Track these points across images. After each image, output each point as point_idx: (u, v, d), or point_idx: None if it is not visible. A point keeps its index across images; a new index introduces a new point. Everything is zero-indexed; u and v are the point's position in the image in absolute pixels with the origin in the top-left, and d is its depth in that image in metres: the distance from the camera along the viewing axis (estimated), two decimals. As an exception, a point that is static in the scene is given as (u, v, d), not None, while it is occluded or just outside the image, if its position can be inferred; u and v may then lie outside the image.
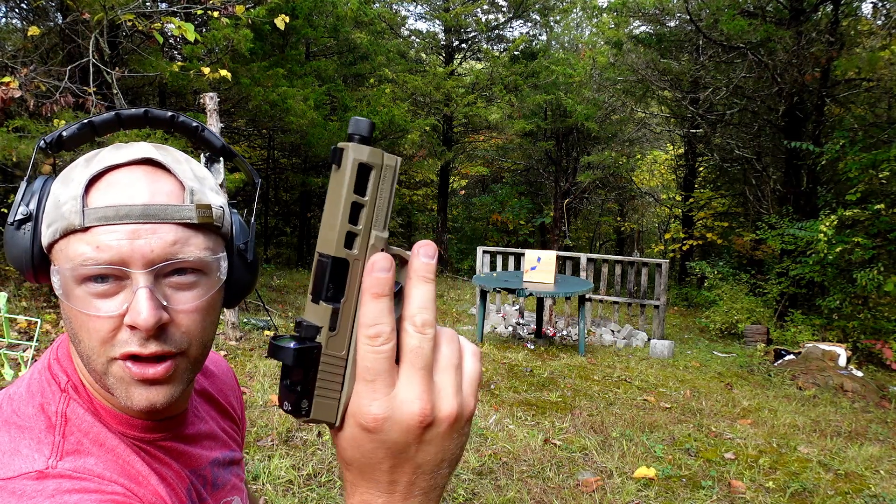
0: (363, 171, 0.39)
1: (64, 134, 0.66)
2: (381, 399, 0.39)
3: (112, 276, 0.59)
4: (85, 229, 0.58)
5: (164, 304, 0.60)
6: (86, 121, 0.67)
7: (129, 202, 0.59)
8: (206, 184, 0.66)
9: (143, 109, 0.68)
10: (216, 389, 0.86)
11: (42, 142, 0.66)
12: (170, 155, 0.64)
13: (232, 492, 0.78)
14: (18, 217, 0.62)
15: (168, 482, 0.65)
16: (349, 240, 0.39)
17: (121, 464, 0.61)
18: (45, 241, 0.61)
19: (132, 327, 0.59)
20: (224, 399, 0.87)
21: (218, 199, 0.66)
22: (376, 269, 0.39)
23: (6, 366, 3.45)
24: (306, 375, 0.39)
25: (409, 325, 0.40)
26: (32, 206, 0.62)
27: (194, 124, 0.72)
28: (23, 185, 0.63)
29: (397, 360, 0.40)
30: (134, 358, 0.60)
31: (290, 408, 0.40)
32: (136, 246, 0.58)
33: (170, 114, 0.70)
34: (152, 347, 0.59)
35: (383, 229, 0.40)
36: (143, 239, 0.59)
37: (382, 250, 0.40)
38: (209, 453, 0.75)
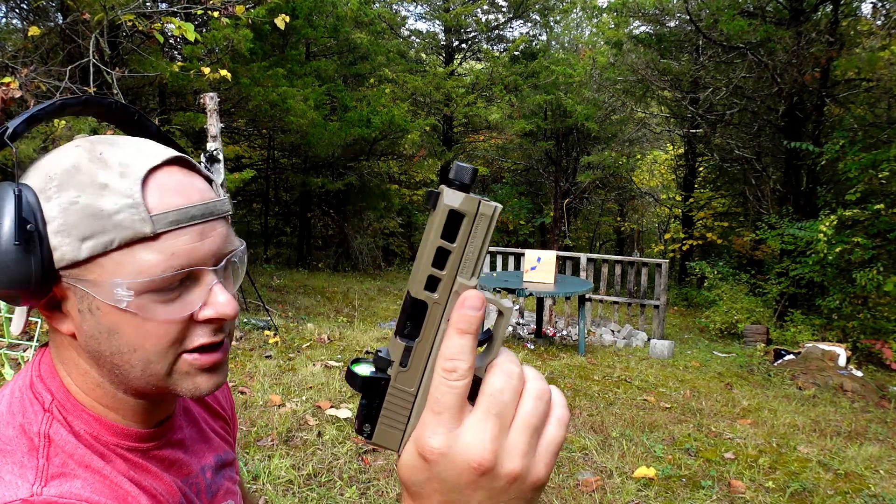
0: (454, 217, 0.39)
1: (11, 128, 0.61)
2: (444, 434, 0.39)
3: (184, 278, 0.59)
4: (155, 236, 0.56)
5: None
6: (30, 114, 0.62)
7: (189, 203, 0.59)
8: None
9: (84, 97, 0.67)
10: None
11: None
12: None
13: (226, 496, 0.77)
14: (24, 233, 0.55)
15: (159, 500, 0.63)
16: (431, 283, 0.40)
17: (108, 485, 0.59)
18: (70, 255, 0.56)
19: (215, 320, 0.61)
20: (212, 398, 0.85)
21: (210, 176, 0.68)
22: (466, 305, 0.39)
23: (6, 366, 3.46)
24: (371, 402, 0.42)
25: (497, 369, 0.40)
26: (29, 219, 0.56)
27: (132, 110, 0.70)
28: (9, 194, 0.56)
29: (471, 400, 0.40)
30: (202, 349, 0.61)
31: (357, 427, 0.43)
32: (206, 245, 0.59)
33: (108, 100, 0.69)
34: (220, 335, 0.62)
35: (471, 277, 0.40)
36: (209, 238, 0.60)
37: None
38: (201, 458, 0.74)
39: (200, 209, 0.59)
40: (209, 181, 0.64)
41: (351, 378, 0.43)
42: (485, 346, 0.42)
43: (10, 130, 0.59)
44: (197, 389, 0.62)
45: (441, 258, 0.39)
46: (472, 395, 0.40)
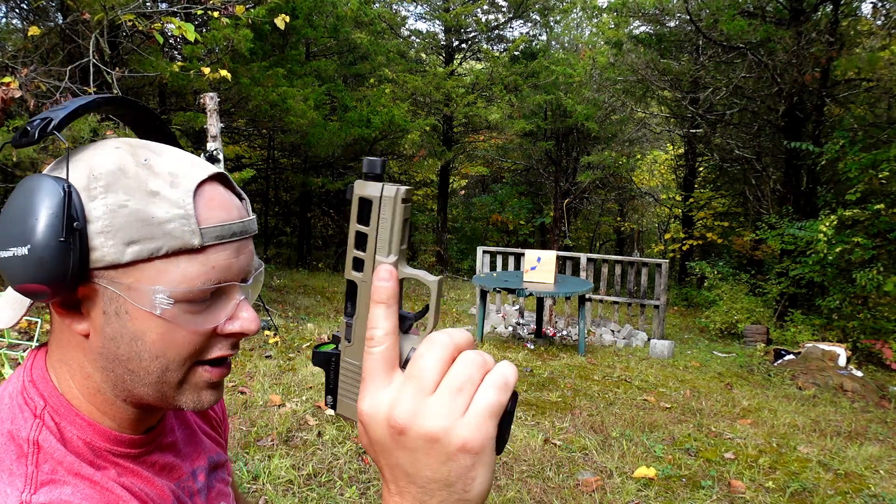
0: (364, 204, 0.44)
1: (56, 120, 0.58)
2: (369, 397, 0.43)
3: (215, 291, 0.60)
4: (201, 249, 0.58)
5: None
6: (75, 107, 0.61)
7: (231, 219, 0.61)
8: None
9: (119, 97, 0.68)
10: None
11: (35, 130, 0.57)
12: None
13: (219, 498, 0.77)
14: (71, 231, 0.55)
15: None
16: (357, 264, 0.46)
17: (99, 491, 0.58)
18: (111, 257, 0.56)
19: (237, 334, 0.62)
20: None
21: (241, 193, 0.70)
22: (376, 278, 0.44)
23: (6, 366, 3.46)
24: (327, 375, 0.48)
25: (425, 339, 0.43)
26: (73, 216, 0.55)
27: (154, 114, 0.71)
28: (53, 188, 0.55)
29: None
30: (214, 363, 0.63)
31: (325, 398, 0.49)
32: (240, 261, 0.62)
33: (139, 104, 0.69)
34: (236, 349, 0.65)
35: (388, 255, 0.44)
36: (243, 254, 0.62)
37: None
38: (192, 462, 0.74)
39: (240, 226, 0.61)
40: (241, 199, 0.66)
41: (313, 355, 0.49)
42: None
43: (55, 122, 0.57)
44: (199, 403, 0.64)
45: (362, 241, 0.45)
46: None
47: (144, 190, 0.56)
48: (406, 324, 0.45)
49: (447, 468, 0.41)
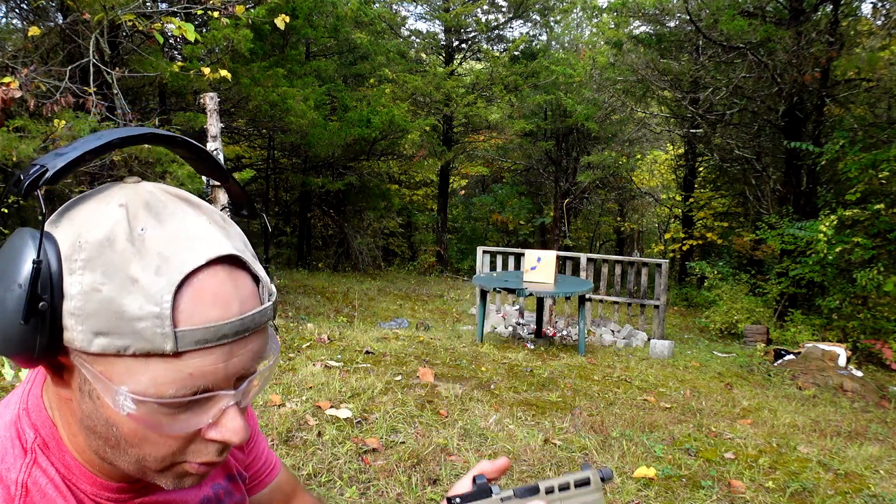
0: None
1: (51, 172, 0.50)
2: None
3: (200, 399, 0.52)
4: (175, 355, 0.49)
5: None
6: (80, 153, 0.52)
7: (224, 319, 0.50)
8: (249, 249, 0.56)
9: (171, 135, 0.59)
10: None
11: (24, 183, 0.50)
12: (234, 235, 0.55)
13: None
14: (33, 313, 0.48)
15: None
16: None
17: None
18: (79, 344, 0.49)
19: (221, 442, 0.55)
20: None
21: (262, 271, 0.56)
22: None
23: (6, 365, 3.46)
24: None
25: None
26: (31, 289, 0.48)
27: (195, 146, 0.62)
28: (25, 255, 0.48)
29: None
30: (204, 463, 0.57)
31: None
32: (231, 365, 0.52)
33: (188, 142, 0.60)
34: (224, 455, 0.57)
35: None
36: (237, 357, 0.52)
37: None
38: (198, 492, 0.70)
39: (235, 326, 0.51)
40: (257, 280, 0.55)
41: None
42: None
43: (50, 174, 0.50)
44: (180, 485, 0.58)
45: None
46: None
47: (124, 274, 0.48)
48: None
49: None
